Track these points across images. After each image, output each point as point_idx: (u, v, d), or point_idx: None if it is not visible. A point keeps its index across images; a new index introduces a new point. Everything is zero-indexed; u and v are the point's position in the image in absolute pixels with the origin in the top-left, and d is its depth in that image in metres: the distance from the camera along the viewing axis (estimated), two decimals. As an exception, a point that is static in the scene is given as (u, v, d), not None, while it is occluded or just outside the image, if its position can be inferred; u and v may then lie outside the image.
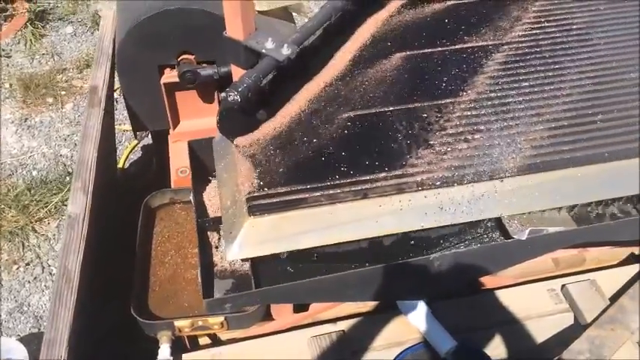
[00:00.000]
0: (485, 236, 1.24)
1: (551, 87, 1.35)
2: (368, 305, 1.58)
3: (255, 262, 1.15)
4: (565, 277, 1.62)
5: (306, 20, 1.42)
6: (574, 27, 1.49)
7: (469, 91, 1.33)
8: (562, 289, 1.55)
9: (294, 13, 1.94)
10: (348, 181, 1.15)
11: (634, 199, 1.26)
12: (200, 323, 1.35)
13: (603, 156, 1.22)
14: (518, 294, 1.57)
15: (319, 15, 1.39)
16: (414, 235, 1.20)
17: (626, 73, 1.38)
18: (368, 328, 1.50)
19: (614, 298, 1.50)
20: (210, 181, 1.42)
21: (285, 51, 1.27)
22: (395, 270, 1.20)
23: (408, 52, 1.43)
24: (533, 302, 1.54)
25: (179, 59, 1.63)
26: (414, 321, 1.43)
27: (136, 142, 2.55)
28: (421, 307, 1.42)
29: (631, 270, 1.60)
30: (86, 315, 1.25)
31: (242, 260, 1.18)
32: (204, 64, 1.64)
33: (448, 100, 1.31)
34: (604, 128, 1.26)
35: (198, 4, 1.59)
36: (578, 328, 1.48)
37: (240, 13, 1.25)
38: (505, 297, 1.57)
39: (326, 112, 1.28)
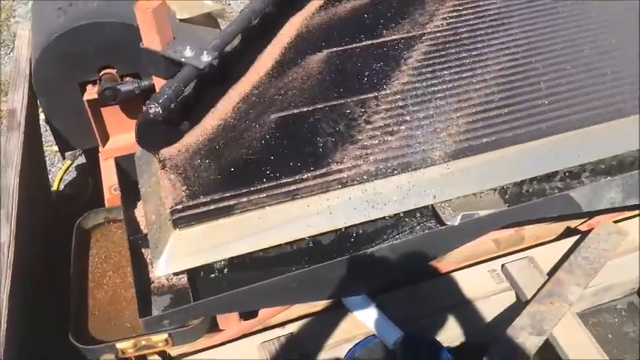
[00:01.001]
0: (421, 225, 1.26)
1: (471, 73, 1.38)
2: (317, 305, 1.58)
3: (191, 274, 1.14)
4: (505, 256, 1.66)
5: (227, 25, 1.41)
6: (490, 13, 1.53)
7: (393, 84, 1.35)
8: (502, 268, 1.59)
9: (218, 18, 1.92)
10: (275, 183, 1.14)
11: (561, 176, 1.31)
12: (144, 342, 1.31)
13: (524, 136, 1.25)
14: (461, 278, 1.60)
15: (238, 20, 1.38)
16: (350, 231, 1.20)
17: (540, 54, 1.42)
18: (317, 328, 1.50)
19: (551, 273, 1.55)
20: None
21: (205, 58, 1.26)
22: (334, 268, 1.21)
23: (330, 50, 1.43)
24: (476, 284, 1.58)
25: (100, 74, 1.59)
26: (361, 316, 1.44)
27: (69, 162, 2.47)
28: (366, 301, 1.43)
29: (566, 244, 1.66)
30: (17, 347, 1.20)
31: (177, 274, 1.16)
32: (126, 78, 1.60)
33: (372, 95, 1.32)
34: (523, 109, 1.30)
35: (116, 16, 1.55)
36: (520, 305, 1.52)
37: (155, 24, 1.23)
38: (449, 282, 1.60)
39: (250, 116, 1.27)
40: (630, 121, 1.29)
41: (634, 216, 1.74)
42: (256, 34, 1.44)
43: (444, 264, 1.69)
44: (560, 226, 1.77)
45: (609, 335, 1.77)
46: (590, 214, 1.61)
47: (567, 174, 1.29)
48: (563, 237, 1.75)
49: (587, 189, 1.27)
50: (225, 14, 1.85)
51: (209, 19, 1.82)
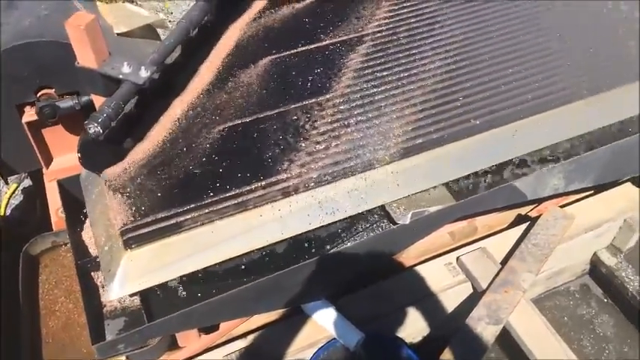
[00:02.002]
0: (374, 226, 1.27)
1: (411, 73, 1.40)
2: (278, 314, 1.58)
3: (144, 294, 1.12)
4: (461, 248, 1.69)
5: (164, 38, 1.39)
6: (426, 14, 1.55)
7: (335, 88, 1.36)
8: (457, 261, 1.61)
9: (158, 30, 1.89)
10: (225, 196, 1.14)
11: (505, 167, 1.34)
12: (102, 367, 1.28)
13: (465, 131, 1.28)
14: (419, 273, 1.62)
15: (176, 31, 1.36)
16: (304, 237, 1.20)
17: (475, 52, 1.45)
18: (279, 336, 1.49)
19: (505, 262, 1.58)
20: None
21: (144, 73, 1.24)
22: (291, 275, 1.20)
23: (271, 57, 1.43)
24: (434, 278, 1.60)
25: (38, 95, 1.54)
26: (321, 321, 1.44)
27: (15, 185, 2.39)
28: (326, 305, 1.44)
29: (518, 231, 1.70)
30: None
31: (131, 295, 1.14)
32: (65, 97, 1.56)
33: (316, 100, 1.33)
34: (462, 106, 1.33)
35: (50, 34, 1.51)
36: (476, 295, 1.55)
37: (89, 41, 1.20)
38: (408, 279, 1.62)
39: (195, 129, 1.26)
40: (564, 111, 1.33)
41: (580, 199, 1.80)
42: (196, 44, 1.43)
43: (402, 261, 1.71)
44: (511, 215, 1.81)
45: (565, 318, 1.82)
46: (537, 201, 1.65)
47: (511, 165, 1.32)
48: (515, 225, 1.79)
49: (530, 178, 1.30)
50: (166, 25, 1.82)
51: (149, 32, 1.79)
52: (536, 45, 1.48)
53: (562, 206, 1.75)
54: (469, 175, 1.28)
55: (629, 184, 1.81)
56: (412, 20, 1.52)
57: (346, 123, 1.28)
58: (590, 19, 1.57)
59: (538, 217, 1.69)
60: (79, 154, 1.14)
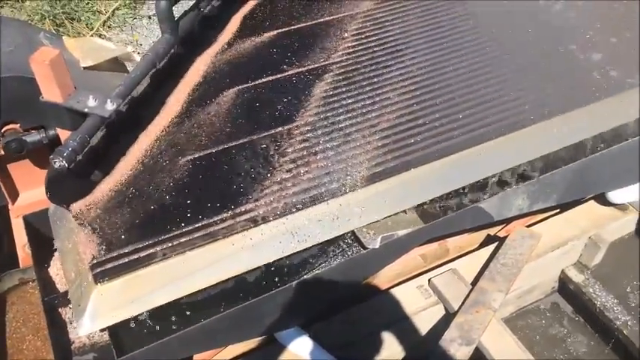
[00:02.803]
0: (344, 252, 1.28)
1: (376, 100, 1.43)
2: (251, 343, 1.56)
3: (114, 329, 1.10)
4: (431, 271, 1.71)
5: (130, 71, 1.40)
6: (389, 42, 1.60)
7: (302, 116, 1.38)
8: (429, 283, 1.63)
9: (126, 63, 1.90)
10: (196, 226, 1.14)
11: (471, 189, 1.37)
12: (71, 406, 1.25)
13: (431, 155, 1.31)
14: (392, 297, 1.63)
15: (142, 64, 1.38)
16: (275, 265, 1.21)
17: (439, 77, 1.50)
18: (254, 366, 1.48)
19: (475, 282, 1.60)
20: (55, 254, 1.33)
21: (110, 106, 1.24)
22: (263, 303, 1.21)
23: (239, 87, 1.45)
24: (406, 301, 1.60)
25: (3, 130, 1.53)
26: (295, 349, 1.43)
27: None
28: (299, 334, 1.43)
29: (487, 252, 1.72)
30: None
31: (100, 331, 1.12)
32: (32, 131, 1.54)
33: (284, 128, 1.35)
34: (427, 130, 1.36)
35: (13, 69, 1.50)
36: (449, 316, 1.56)
37: (54, 76, 1.20)
38: (381, 302, 1.62)
39: (163, 160, 1.26)
40: (527, 132, 1.37)
41: (546, 218, 1.84)
42: (163, 77, 1.44)
43: (375, 285, 1.72)
44: (480, 235, 1.84)
45: (537, 337, 1.84)
46: (504, 222, 1.68)
47: (476, 187, 1.35)
48: (485, 245, 1.81)
49: (495, 199, 1.33)
50: (133, 58, 1.83)
51: (116, 65, 1.79)
52: (499, 68, 1.53)
53: (529, 225, 1.79)
54: (436, 198, 1.31)
55: (592, 202, 1.86)
56: (376, 49, 1.56)
57: (314, 151, 1.30)
58: (552, 42, 1.63)
59: (506, 237, 1.72)
60: (47, 189, 1.13)
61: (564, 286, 1.89)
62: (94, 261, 1.07)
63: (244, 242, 1.15)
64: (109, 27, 1.76)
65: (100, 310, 1.05)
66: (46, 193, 1.15)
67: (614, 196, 1.78)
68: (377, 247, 1.24)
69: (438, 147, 1.32)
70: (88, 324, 1.04)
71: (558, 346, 1.83)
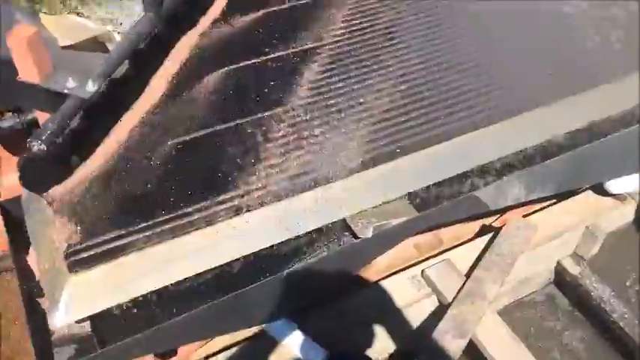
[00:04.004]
0: (336, 241, 1.28)
1: (369, 83, 1.42)
2: (238, 335, 1.56)
3: (95, 320, 1.10)
4: (424, 262, 1.72)
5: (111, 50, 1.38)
6: (383, 23, 1.58)
7: (293, 100, 1.37)
8: (422, 274, 1.64)
9: (106, 43, 1.87)
10: (179, 213, 1.13)
11: (466, 177, 1.37)
12: (50, 399, 1.25)
13: (425, 141, 1.31)
14: (383, 288, 1.64)
15: (124, 44, 1.36)
16: (264, 253, 1.20)
17: (434, 60, 1.49)
18: (241, 358, 1.48)
19: (470, 273, 1.61)
20: (33, 242, 1.32)
21: (91, 87, 1.23)
22: (252, 294, 1.20)
23: (226, 69, 1.44)
24: (398, 293, 1.62)
25: (-25, 115, 1.51)
26: (284, 341, 1.44)
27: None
28: (288, 325, 1.44)
29: (482, 242, 1.74)
30: None
31: (79, 322, 1.11)
32: (7, 114, 1.52)
33: (273, 112, 1.34)
34: (421, 115, 1.36)
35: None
36: (442, 308, 1.58)
37: (31, 54, 1.18)
38: (372, 294, 1.63)
39: (146, 145, 1.25)
40: (523, 119, 1.38)
41: (542, 208, 1.85)
42: (146, 57, 1.42)
43: (367, 276, 1.73)
44: (476, 225, 1.85)
45: (532, 329, 1.86)
46: (500, 211, 1.69)
47: (472, 175, 1.35)
48: (480, 235, 1.83)
49: (491, 188, 1.34)
50: (113, 38, 1.81)
51: (95, 44, 1.77)
52: (495, 53, 1.53)
53: (525, 215, 1.80)
54: (430, 185, 1.31)
55: (589, 191, 1.88)
56: (369, 31, 1.55)
57: (303, 135, 1.29)
58: (551, 26, 1.63)
59: (501, 227, 1.74)
60: (20, 174, 1.11)
61: (560, 278, 1.92)
62: (70, 250, 1.06)
63: (230, 230, 1.14)
64: (86, 3, 1.73)
65: (75, 300, 1.04)
66: (20, 179, 1.13)
67: (612, 185, 1.80)
68: (369, 236, 1.24)
69: (432, 133, 1.32)
70: (62, 315, 1.03)
71: (554, 339, 1.85)
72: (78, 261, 1.05)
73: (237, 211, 1.16)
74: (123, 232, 1.10)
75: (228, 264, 1.17)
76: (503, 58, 1.52)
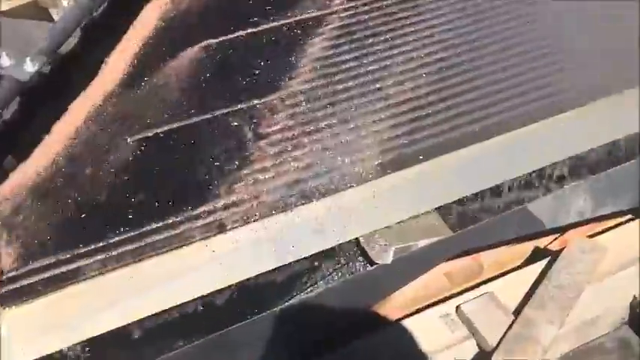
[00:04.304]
0: (345, 268, 1.30)
1: (388, 64, 1.44)
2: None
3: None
4: (460, 295, 1.72)
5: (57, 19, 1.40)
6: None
7: (291, 83, 1.39)
8: (457, 311, 1.64)
9: (50, 10, 1.89)
10: (145, 230, 1.15)
11: (515, 186, 1.39)
12: None
13: (464, 139, 1.32)
14: (406, 329, 1.64)
15: (72, 11, 1.38)
16: (252, 284, 1.22)
17: (479, 37, 1.51)
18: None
19: (519, 311, 1.62)
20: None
21: (30, 67, 1.25)
22: (237, 335, 1.22)
23: (205, 43, 1.46)
24: (426, 335, 1.61)
25: None
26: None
27: None
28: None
29: (534, 270, 1.74)
30: None
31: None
32: None
33: (265, 100, 1.36)
34: (458, 105, 1.37)
35: None
36: (483, 356, 1.58)
37: (-45, 24, 1.20)
38: (392, 336, 1.63)
39: (101, 142, 1.27)
40: (591, 111, 1.39)
41: (614, 226, 1.86)
42: (102, 28, 1.44)
43: (385, 313, 1.73)
44: (526, 248, 1.85)
45: (601, 384, 1.86)
46: (559, 230, 1.70)
47: (523, 183, 1.37)
48: (532, 261, 1.83)
49: (548, 200, 1.35)
50: (58, 2, 1.83)
51: (36, 11, 1.79)
52: (548, 38, 1.55)
53: (592, 236, 1.80)
54: (469, 197, 1.33)
55: (677, 206, 1.88)
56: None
57: (306, 130, 1.31)
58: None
59: (561, 251, 1.74)
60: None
61: (637, 318, 1.92)
62: (3, 277, 1.07)
63: (210, 253, 1.16)
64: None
65: (10, 342, 1.05)
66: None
67: None
68: (389, 262, 1.25)
69: (469, 129, 1.33)
70: (-6, 361, 1.04)
71: (631, 398, 1.85)
72: (13, 291, 1.06)
73: (219, 228, 1.17)
74: (71, 254, 1.11)
75: (208, 297, 1.18)
76: (565, 35, 1.55)
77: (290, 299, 1.25)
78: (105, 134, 1.29)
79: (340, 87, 1.39)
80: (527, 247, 1.85)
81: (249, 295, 1.22)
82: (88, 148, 1.27)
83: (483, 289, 1.70)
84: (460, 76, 1.43)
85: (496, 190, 1.36)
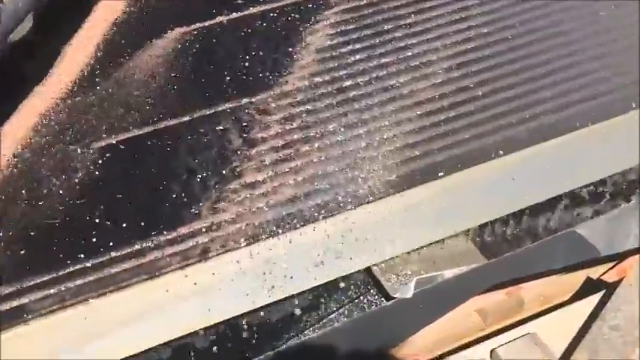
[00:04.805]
0: (357, 303, 1.29)
1: (406, 55, 1.44)
2: None
3: None
4: (495, 335, 1.70)
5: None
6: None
7: (286, 79, 1.39)
8: (492, 355, 1.63)
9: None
10: (108, 258, 1.14)
11: (561, 203, 1.37)
12: None
13: (501, 146, 1.31)
14: (430, 379, 1.63)
15: (24, -9, 1.38)
16: (239, 323, 1.22)
17: (509, 18, 1.53)
18: None
19: (567, 355, 1.60)
20: None
21: (-29, 58, 1.25)
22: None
23: (183, 30, 1.47)
24: (454, 387, 1.61)
25: None
26: None
27: None
28: None
29: (586, 306, 1.72)
30: None
31: None
32: None
33: (256, 98, 1.36)
34: (495, 105, 1.37)
35: None
36: (525, 412, 1.57)
37: None
38: (412, 388, 1.62)
39: (58, 147, 1.27)
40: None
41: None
42: (59, 12, 1.44)
43: (405, 356, 1.72)
44: (576, 279, 1.84)
45: None
46: (616, 258, 1.68)
47: (572, 200, 1.36)
48: (583, 295, 1.81)
49: (602, 221, 1.33)
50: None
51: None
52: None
53: (655, 264, 1.79)
54: (504, 217, 1.32)
55: None
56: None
57: (303, 137, 1.31)
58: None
59: (618, 283, 1.72)
60: None
61: None
62: None
63: (188, 286, 1.15)
64: None
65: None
66: None
67: None
68: (408, 296, 1.24)
69: (506, 134, 1.33)
70: None
71: None
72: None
73: (200, 255, 1.16)
74: (16, 287, 1.10)
75: (186, 339, 1.17)
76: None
77: (286, 342, 1.23)
78: (60, 140, 1.29)
79: (346, 83, 1.39)
80: (578, 278, 1.83)
81: (236, 338, 1.22)
82: (39, 156, 1.26)
83: (523, 329, 1.69)
84: (494, 71, 1.43)
85: (538, 210, 1.35)
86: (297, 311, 1.25)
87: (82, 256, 1.14)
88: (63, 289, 1.11)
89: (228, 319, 1.18)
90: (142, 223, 1.18)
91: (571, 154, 1.34)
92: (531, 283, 1.74)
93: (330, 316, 1.27)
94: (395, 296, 1.24)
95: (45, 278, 1.12)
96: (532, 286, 1.75)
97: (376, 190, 1.25)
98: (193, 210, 1.21)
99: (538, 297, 1.79)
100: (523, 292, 1.75)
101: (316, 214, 1.22)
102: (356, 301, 1.28)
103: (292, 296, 1.21)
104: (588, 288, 1.81)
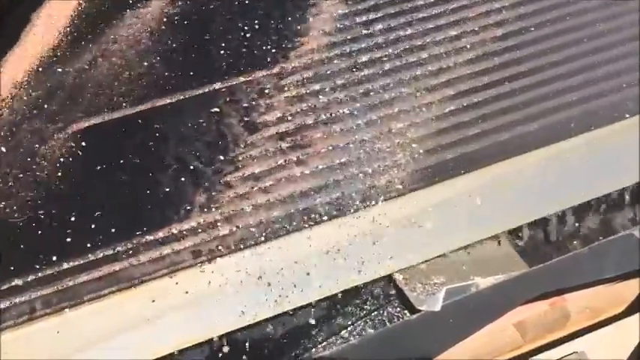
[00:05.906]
0: (376, 316, 1.28)
1: (432, 26, 1.45)
2: None
3: None
4: (536, 353, 1.70)
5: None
6: None
7: (292, 54, 1.39)
8: (534, 378, 1.63)
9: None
10: (86, 261, 1.14)
11: (614, 203, 1.37)
12: None
13: (542, 135, 1.31)
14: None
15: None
16: (241, 338, 1.20)
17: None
18: None
19: (620, 378, 1.60)
20: None
21: None
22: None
23: (168, -3, 1.46)
24: (491, 412, 1.61)
25: None
26: None
27: None
28: None
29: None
30: None
31: None
32: None
33: (256, 76, 1.36)
34: (535, 86, 1.38)
35: None
36: None
37: None
38: (440, 414, 1.62)
39: (27, 131, 1.28)
40: None
41: None
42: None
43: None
44: (629, 289, 1.84)
45: None
46: (679, 265, 1.68)
47: (627, 199, 1.36)
48: (638, 308, 1.82)
49: (661, 224, 1.33)
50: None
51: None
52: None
53: None
54: (549, 217, 1.32)
55: None
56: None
57: (311, 122, 1.31)
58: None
59: (680, 295, 1.73)
60: None
61: None
62: None
63: (179, 295, 1.14)
64: None
65: None
66: None
67: None
68: (437, 308, 1.24)
69: (550, 120, 1.34)
70: None
71: None
72: None
73: (191, 260, 1.16)
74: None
75: (176, 356, 1.16)
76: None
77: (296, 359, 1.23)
78: (28, 124, 1.29)
79: (362, 59, 1.39)
80: (632, 289, 1.83)
81: (236, 355, 1.20)
82: (6, 140, 1.27)
83: (569, 346, 1.69)
84: (537, 46, 1.44)
85: (586, 210, 1.34)
86: (309, 325, 1.24)
87: (54, 257, 1.14)
88: (31, 297, 1.11)
89: (223, 335, 1.17)
90: (127, 221, 1.19)
91: (620, 147, 1.35)
92: (578, 294, 1.74)
93: (345, 332, 1.26)
94: (421, 308, 1.24)
95: (6, 285, 1.12)
96: (578, 297, 1.75)
97: (397, 184, 1.25)
98: (182, 206, 1.21)
99: (586, 310, 1.79)
100: (568, 303, 1.75)
101: (326, 213, 1.22)
102: (375, 314, 1.27)
103: (301, 308, 1.21)
104: (640, 302, 1.82)
